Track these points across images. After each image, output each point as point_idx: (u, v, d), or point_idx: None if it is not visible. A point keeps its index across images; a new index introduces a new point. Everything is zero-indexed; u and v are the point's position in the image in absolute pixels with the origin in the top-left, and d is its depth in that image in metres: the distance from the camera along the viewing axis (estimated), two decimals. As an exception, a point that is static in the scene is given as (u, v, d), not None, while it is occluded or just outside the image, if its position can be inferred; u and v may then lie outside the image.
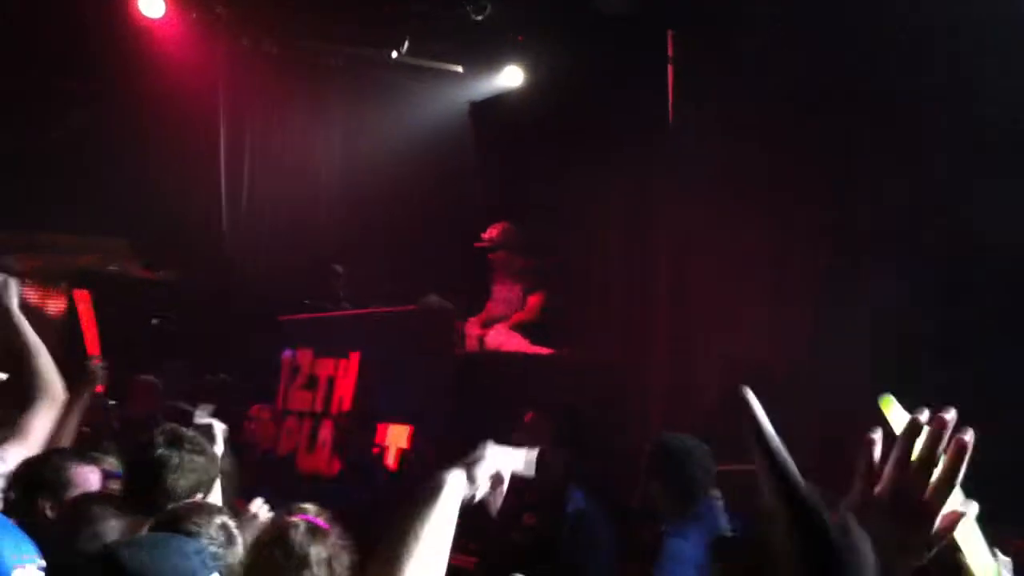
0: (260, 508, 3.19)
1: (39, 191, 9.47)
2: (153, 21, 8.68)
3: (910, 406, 1.21)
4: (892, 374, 5.29)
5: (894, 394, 1.26)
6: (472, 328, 7.84)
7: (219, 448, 3.42)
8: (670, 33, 7.82)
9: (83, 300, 5.57)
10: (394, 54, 8.79)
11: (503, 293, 8.05)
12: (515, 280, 8.06)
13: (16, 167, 9.43)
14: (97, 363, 4.74)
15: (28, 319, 3.83)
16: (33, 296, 10.17)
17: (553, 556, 4.70)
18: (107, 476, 3.40)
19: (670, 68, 7.75)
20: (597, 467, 5.60)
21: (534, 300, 7.97)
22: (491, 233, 8.09)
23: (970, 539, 1.18)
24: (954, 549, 1.18)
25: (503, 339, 7.61)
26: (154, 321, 9.62)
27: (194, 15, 8.77)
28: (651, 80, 7.77)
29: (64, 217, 10.05)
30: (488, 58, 9.12)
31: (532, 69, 8.87)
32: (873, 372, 5.65)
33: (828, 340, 6.19)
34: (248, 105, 9.79)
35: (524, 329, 7.84)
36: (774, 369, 6.21)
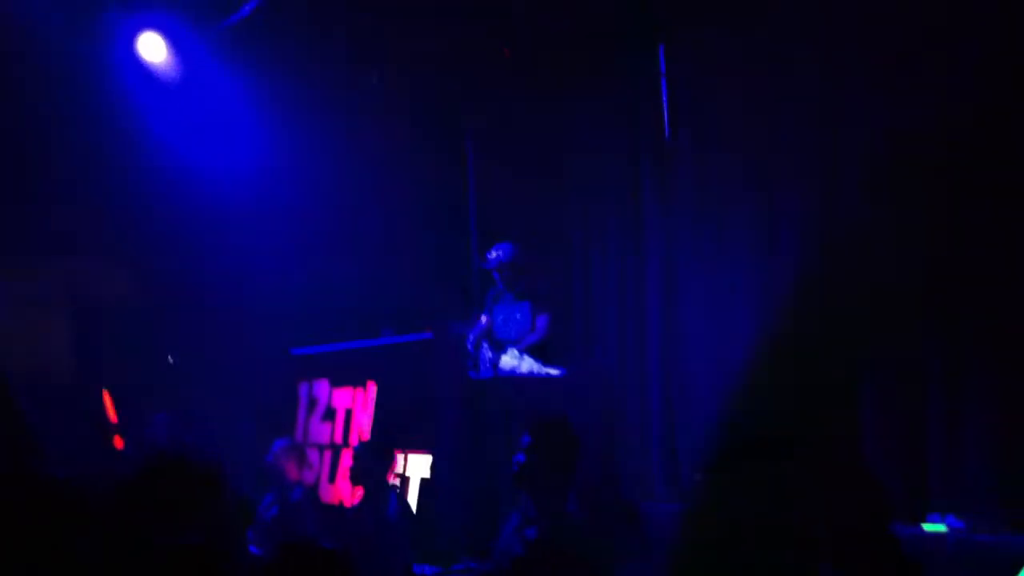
0: None
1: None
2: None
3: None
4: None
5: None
6: (485, 352, 7.89)
7: None
8: (662, 47, 7.94)
9: None
10: None
11: (507, 315, 8.04)
12: (519, 299, 8.05)
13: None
14: None
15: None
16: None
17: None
18: None
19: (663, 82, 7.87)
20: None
21: (543, 321, 7.95)
22: (495, 253, 8.07)
23: None
24: None
25: (516, 363, 7.65)
26: (170, 359, 9.70)
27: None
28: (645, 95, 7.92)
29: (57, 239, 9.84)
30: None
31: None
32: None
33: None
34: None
35: (536, 351, 7.88)
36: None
